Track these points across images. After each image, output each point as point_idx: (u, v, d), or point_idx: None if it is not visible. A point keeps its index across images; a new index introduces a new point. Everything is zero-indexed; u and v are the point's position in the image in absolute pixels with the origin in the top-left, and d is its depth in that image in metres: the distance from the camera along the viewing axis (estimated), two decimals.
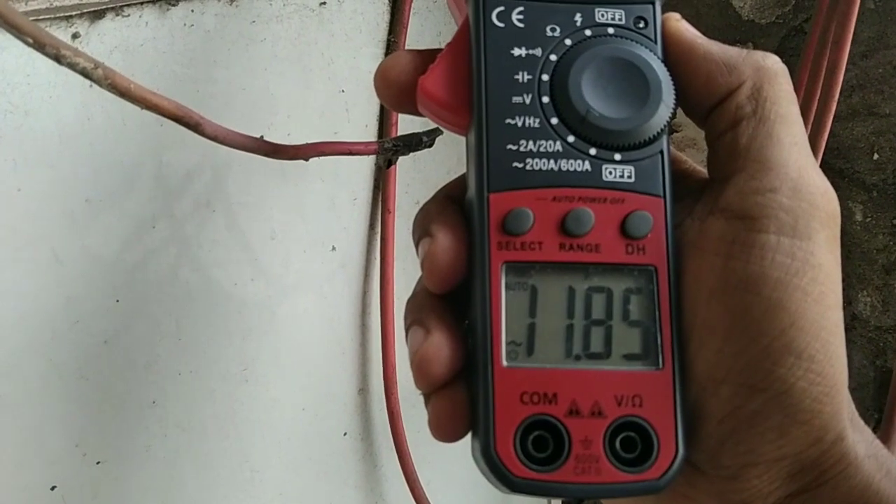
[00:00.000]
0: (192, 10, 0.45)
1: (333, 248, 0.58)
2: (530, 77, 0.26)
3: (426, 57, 0.28)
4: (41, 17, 0.38)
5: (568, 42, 0.27)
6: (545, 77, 0.26)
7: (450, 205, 0.27)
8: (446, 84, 0.27)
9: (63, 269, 0.42)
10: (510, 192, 0.26)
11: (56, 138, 0.41)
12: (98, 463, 0.46)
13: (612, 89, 0.26)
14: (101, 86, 0.31)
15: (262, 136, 0.41)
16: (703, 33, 0.27)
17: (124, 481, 0.48)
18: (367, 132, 0.58)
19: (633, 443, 0.24)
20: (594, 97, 0.26)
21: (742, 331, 0.24)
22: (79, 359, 0.44)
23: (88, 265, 0.44)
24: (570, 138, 0.26)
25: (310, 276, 0.57)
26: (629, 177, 0.26)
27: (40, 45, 0.28)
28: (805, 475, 0.25)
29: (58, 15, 0.39)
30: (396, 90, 0.28)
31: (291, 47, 0.51)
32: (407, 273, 0.61)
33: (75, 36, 0.40)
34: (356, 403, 0.63)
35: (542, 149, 0.26)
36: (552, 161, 0.26)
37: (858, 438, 0.25)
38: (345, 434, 0.62)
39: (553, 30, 0.27)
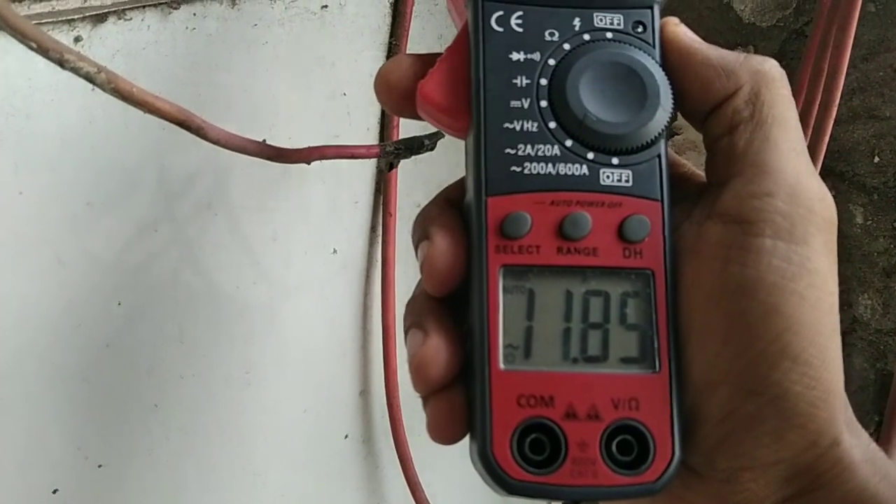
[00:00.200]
0: (194, 14, 0.45)
1: (335, 251, 0.58)
2: (529, 81, 0.26)
3: (426, 61, 0.28)
4: (44, 21, 0.39)
5: (566, 46, 0.27)
6: (543, 81, 0.26)
7: (449, 208, 0.28)
8: (445, 88, 0.27)
9: (65, 272, 0.43)
10: (508, 195, 0.26)
11: (58, 141, 0.41)
12: (100, 466, 0.46)
13: (610, 93, 0.26)
14: (104, 90, 0.31)
15: (264, 140, 0.41)
16: (704, 36, 0.27)
17: (126, 484, 0.48)
18: (368, 135, 0.58)
19: (629, 446, 0.25)
20: (592, 101, 0.26)
21: (738, 335, 0.24)
22: (81, 362, 0.45)
23: (90, 268, 0.44)
24: (568, 142, 0.26)
25: (311, 279, 0.57)
26: (627, 181, 0.26)
27: (44, 50, 0.29)
28: (801, 479, 0.25)
29: (60, 18, 0.39)
30: (397, 94, 0.28)
31: (293, 50, 0.51)
32: (408, 276, 0.61)
33: (77, 39, 0.40)
34: (357, 406, 0.63)
35: (540, 153, 0.26)
36: (550, 165, 0.26)
37: (855, 442, 0.25)
38: (346, 436, 0.62)
39: (552, 34, 0.27)
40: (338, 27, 0.54)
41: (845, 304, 0.66)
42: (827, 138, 0.56)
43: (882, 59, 0.63)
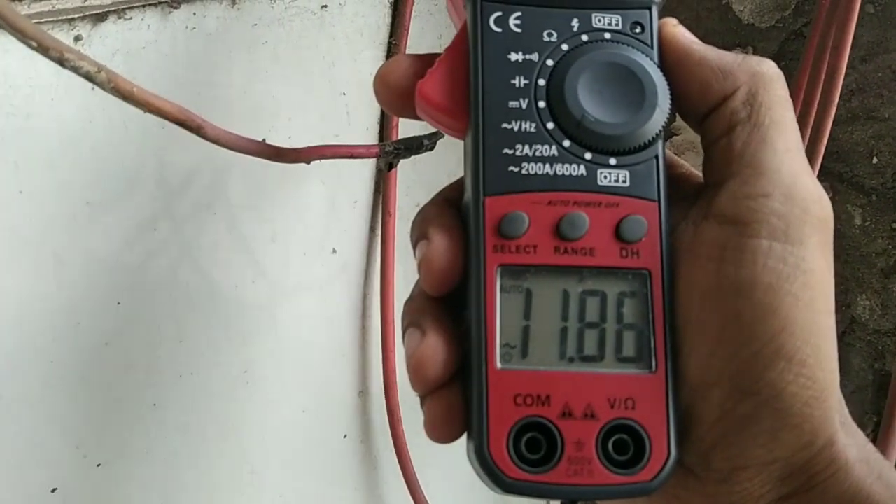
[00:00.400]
0: (194, 13, 0.45)
1: (334, 251, 0.58)
2: (527, 82, 0.26)
3: (425, 61, 0.28)
4: (43, 20, 0.39)
5: (564, 47, 0.27)
6: (541, 82, 0.26)
7: (447, 208, 0.28)
8: (444, 88, 0.27)
9: (64, 271, 0.43)
10: (506, 195, 0.26)
11: (57, 141, 0.41)
12: (98, 465, 0.46)
13: (607, 94, 0.26)
14: (104, 89, 0.31)
15: (263, 140, 0.41)
16: (703, 37, 0.28)
17: (125, 483, 0.48)
18: (367, 135, 0.58)
19: (625, 445, 0.25)
20: (590, 102, 0.26)
21: (734, 335, 0.24)
22: (79, 361, 0.45)
23: (89, 267, 0.44)
24: (566, 143, 0.26)
25: (310, 279, 0.57)
26: (624, 181, 0.26)
27: (44, 49, 0.29)
28: (796, 478, 0.25)
29: (60, 17, 0.39)
30: (396, 95, 0.28)
31: (293, 50, 0.51)
32: (407, 276, 0.61)
33: (77, 39, 0.41)
34: (356, 405, 0.63)
35: (537, 153, 0.26)
36: (548, 165, 0.26)
37: (850, 442, 0.25)
38: (345, 436, 0.63)
39: (550, 35, 0.27)
40: (337, 27, 0.54)
41: (843, 305, 0.66)
42: (826, 139, 0.56)
43: (881, 60, 0.63)
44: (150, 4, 0.43)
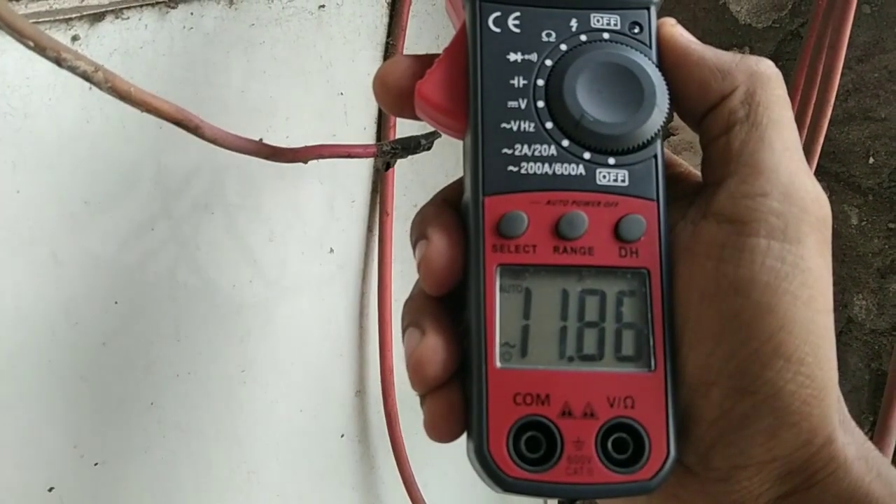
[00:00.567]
0: (192, 13, 0.45)
1: (331, 251, 0.58)
2: (526, 82, 0.27)
3: (424, 62, 0.28)
4: (41, 20, 0.39)
5: (563, 47, 0.27)
6: (540, 82, 0.27)
7: (446, 208, 0.28)
8: (443, 89, 0.27)
9: (62, 270, 0.43)
10: (505, 195, 0.26)
11: (55, 140, 0.41)
12: (96, 464, 0.46)
13: (606, 94, 0.26)
14: (101, 89, 0.31)
15: (261, 139, 0.41)
16: (700, 37, 0.28)
17: (122, 482, 0.48)
18: (365, 135, 0.58)
19: (624, 444, 0.25)
20: (589, 102, 0.26)
21: (732, 334, 0.24)
22: (77, 360, 0.45)
23: (87, 266, 0.44)
24: (565, 142, 0.26)
25: (308, 278, 0.57)
26: (623, 181, 0.26)
27: (41, 49, 0.29)
28: (795, 477, 0.25)
29: (57, 17, 0.39)
30: (395, 95, 0.28)
31: (290, 50, 0.51)
32: (405, 275, 0.61)
33: (75, 38, 0.41)
34: (354, 405, 0.63)
35: (536, 153, 0.26)
36: (547, 165, 0.26)
37: (849, 440, 0.25)
38: (342, 436, 0.63)
39: (549, 35, 0.27)
40: (335, 27, 0.54)
41: (840, 305, 0.67)
42: (822, 139, 0.56)
43: (877, 61, 0.63)
44: (147, 4, 0.43)
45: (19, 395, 0.42)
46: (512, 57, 0.27)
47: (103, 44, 0.42)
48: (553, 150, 0.26)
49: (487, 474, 0.25)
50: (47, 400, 0.44)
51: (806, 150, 0.56)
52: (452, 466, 0.68)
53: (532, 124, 0.26)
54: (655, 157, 0.27)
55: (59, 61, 0.29)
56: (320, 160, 0.45)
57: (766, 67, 0.27)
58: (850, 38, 0.54)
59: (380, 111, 0.58)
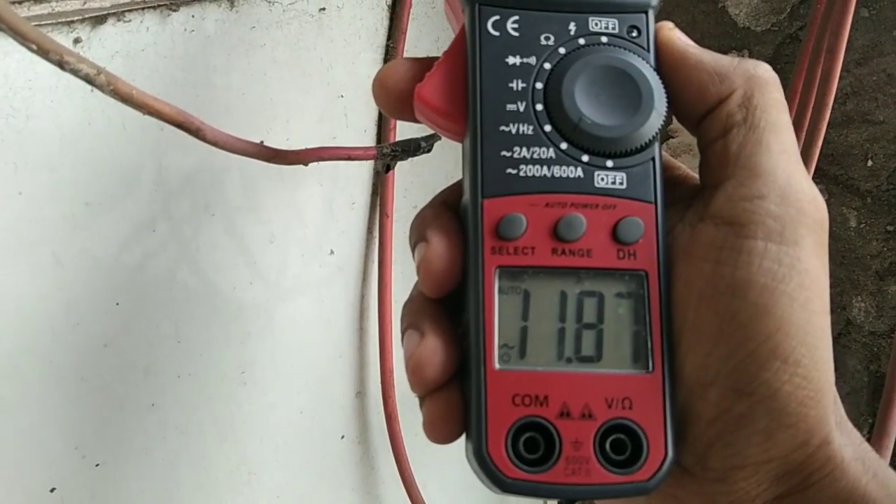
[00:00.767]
0: (193, 16, 0.46)
1: (332, 252, 0.58)
2: (524, 85, 0.27)
3: (423, 65, 0.28)
4: (43, 23, 0.39)
5: (562, 50, 0.27)
6: (539, 85, 0.27)
7: (445, 210, 0.28)
8: (442, 92, 0.27)
9: (63, 271, 0.43)
10: (504, 197, 0.26)
11: (57, 142, 0.41)
12: (97, 465, 0.47)
13: (604, 97, 0.27)
14: (103, 91, 0.31)
15: (261, 142, 0.41)
16: (699, 40, 0.28)
17: (123, 483, 0.48)
18: (365, 137, 0.58)
19: (622, 445, 0.25)
20: (587, 105, 0.26)
21: (730, 335, 0.24)
22: (78, 361, 0.45)
23: (88, 268, 0.44)
24: (563, 145, 0.26)
25: (308, 280, 0.57)
26: (621, 183, 0.26)
27: (44, 52, 0.29)
28: (792, 478, 0.25)
29: (60, 20, 0.40)
30: (394, 98, 0.28)
31: (291, 52, 0.51)
32: (405, 277, 0.61)
33: (77, 41, 0.41)
34: (354, 407, 0.63)
35: (535, 155, 0.26)
36: (545, 167, 0.26)
37: (845, 441, 0.26)
38: (342, 437, 0.63)
39: (547, 38, 0.27)
40: (335, 30, 0.54)
41: (839, 307, 0.67)
42: (820, 142, 0.56)
43: (875, 64, 0.64)
44: (148, 7, 0.43)
45: (21, 396, 0.43)
46: (511, 60, 0.27)
47: (105, 46, 0.42)
48: (551, 153, 0.26)
49: (486, 475, 0.25)
50: (48, 401, 0.44)
51: (805, 153, 0.56)
52: (452, 467, 0.68)
53: (531, 127, 0.26)
54: (653, 159, 0.27)
55: (62, 64, 0.29)
56: (321, 162, 0.45)
57: (764, 71, 0.27)
58: (849, 41, 0.54)
59: (380, 113, 0.58)
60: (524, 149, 0.26)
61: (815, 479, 0.25)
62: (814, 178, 0.61)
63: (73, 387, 0.45)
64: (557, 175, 0.26)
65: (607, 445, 0.25)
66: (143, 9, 0.43)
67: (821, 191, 0.26)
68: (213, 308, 0.51)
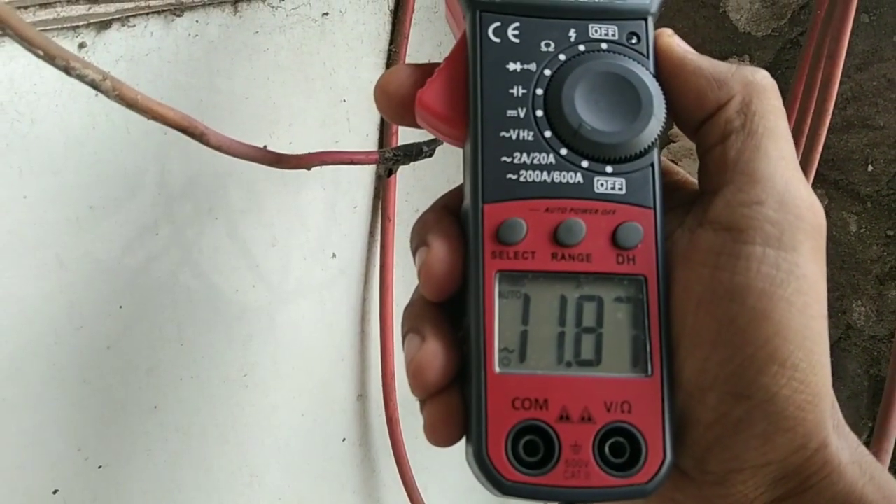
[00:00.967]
0: (197, 21, 0.46)
1: (334, 256, 0.58)
2: (525, 91, 0.27)
3: (425, 71, 0.28)
4: (49, 28, 0.39)
5: (562, 57, 0.27)
6: (539, 91, 0.27)
7: (446, 215, 0.28)
8: (443, 97, 0.27)
9: (67, 274, 0.43)
10: (504, 202, 0.26)
11: (61, 146, 0.41)
12: (99, 467, 0.47)
13: (604, 103, 0.27)
14: (108, 97, 0.31)
15: (265, 146, 0.41)
16: (700, 45, 0.28)
17: (125, 485, 0.49)
18: (367, 141, 0.58)
19: (621, 448, 0.25)
20: (587, 111, 0.27)
21: (728, 340, 0.25)
22: (81, 363, 0.45)
23: (92, 271, 0.44)
24: (563, 151, 0.27)
25: (310, 283, 0.57)
26: (620, 188, 0.27)
27: (50, 57, 0.29)
28: (789, 481, 0.25)
29: (65, 25, 0.40)
30: (396, 103, 0.28)
31: (294, 57, 0.52)
32: (406, 280, 0.61)
33: (82, 46, 0.41)
34: (355, 409, 0.63)
35: (535, 161, 0.26)
36: (545, 173, 0.26)
37: (843, 445, 0.26)
38: (343, 440, 0.63)
39: (547, 45, 0.27)
40: (338, 34, 0.54)
41: (839, 311, 0.67)
42: (821, 147, 0.56)
43: (876, 69, 0.64)
44: (153, 12, 0.43)
45: (24, 398, 0.43)
46: (511, 66, 0.27)
47: (110, 51, 0.42)
48: (551, 159, 0.27)
49: (486, 478, 0.25)
50: (51, 402, 0.44)
51: (805, 158, 0.57)
52: (453, 470, 0.68)
53: (531, 133, 0.27)
54: (652, 165, 0.27)
55: (67, 70, 0.30)
56: (323, 166, 0.46)
57: (762, 78, 0.27)
58: (849, 46, 0.55)
59: (382, 118, 0.59)
60: (524, 154, 0.26)
61: (813, 483, 0.25)
62: (814, 183, 0.61)
63: (75, 389, 0.45)
64: (557, 180, 0.26)
65: (606, 448, 0.25)
66: (147, 14, 0.43)
67: (821, 195, 0.26)
68: (216, 311, 0.51)
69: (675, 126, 0.29)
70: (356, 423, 0.63)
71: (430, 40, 0.60)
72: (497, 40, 0.27)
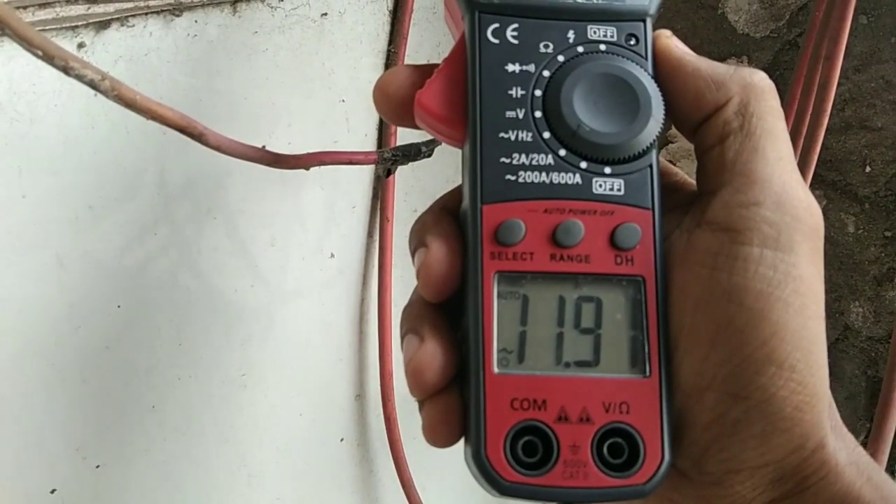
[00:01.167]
0: (196, 21, 0.46)
1: (332, 256, 0.58)
2: (523, 92, 0.27)
3: (424, 71, 0.28)
4: (48, 28, 0.39)
5: (560, 58, 0.27)
6: (538, 92, 0.27)
7: (445, 216, 0.28)
8: (442, 98, 0.28)
9: (66, 274, 0.43)
10: (503, 203, 0.26)
11: (60, 146, 0.41)
12: (98, 466, 0.47)
13: (603, 104, 0.27)
14: (107, 97, 0.31)
15: (263, 146, 0.41)
16: (699, 46, 0.28)
17: (123, 485, 0.49)
18: (366, 141, 0.59)
19: (620, 448, 0.25)
20: (585, 112, 0.27)
21: (726, 341, 0.25)
22: (80, 363, 0.45)
23: (91, 271, 0.44)
24: (562, 152, 0.27)
25: (309, 283, 0.57)
26: (619, 190, 0.27)
27: (49, 57, 0.29)
28: (787, 481, 0.25)
29: (64, 25, 0.40)
30: (395, 104, 0.28)
31: (293, 57, 0.52)
32: (405, 280, 0.62)
33: (81, 46, 0.41)
34: (353, 409, 0.63)
35: (534, 162, 0.27)
36: (544, 174, 0.26)
37: (840, 446, 0.26)
38: (342, 440, 0.63)
39: (546, 46, 0.27)
40: (337, 35, 0.54)
41: (837, 312, 0.67)
42: (818, 147, 0.56)
43: (874, 71, 0.64)
44: (152, 12, 0.43)
45: (22, 398, 0.43)
46: (510, 68, 0.27)
47: (109, 51, 0.42)
48: (550, 160, 0.27)
49: (485, 478, 0.25)
50: (50, 402, 0.44)
51: (803, 159, 0.57)
52: (451, 470, 0.68)
53: (530, 134, 0.27)
54: (651, 166, 0.27)
55: (66, 70, 0.30)
56: (322, 167, 0.46)
57: (760, 79, 0.27)
58: (847, 48, 0.55)
59: (381, 118, 0.59)
60: (523, 155, 0.27)
61: (810, 483, 0.25)
62: (812, 184, 0.61)
63: (74, 388, 0.45)
64: (556, 181, 0.26)
65: (605, 449, 0.25)
66: (146, 14, 0.43)
67: (819, 197, 0.27)
68: (214, 311, 0.51)
69: (673, 127, 0.29)
70: (354, 422, 0.63)
71: (429, 41, 0.60)
72: (496, 41, 0.27)
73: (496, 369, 0.25)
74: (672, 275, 0.26)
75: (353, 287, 0.61)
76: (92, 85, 0.31)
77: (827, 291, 0.26)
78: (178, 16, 0.45)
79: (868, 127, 0.65)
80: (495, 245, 0.26)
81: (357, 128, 0.57)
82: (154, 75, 0.44)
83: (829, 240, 0.25)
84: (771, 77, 0.28)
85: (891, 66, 0.63)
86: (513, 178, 0.26)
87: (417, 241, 0.28)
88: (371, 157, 0.49)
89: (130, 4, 0.42)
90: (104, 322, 0.46)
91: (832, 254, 0.65)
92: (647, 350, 0.26)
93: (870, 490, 0.25)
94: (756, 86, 0.27)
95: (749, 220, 0.25)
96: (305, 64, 0.53)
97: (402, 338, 0.28)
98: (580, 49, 0.27)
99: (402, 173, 0.59)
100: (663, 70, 0.28)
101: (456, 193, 0.29)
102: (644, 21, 0.28)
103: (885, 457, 0.55)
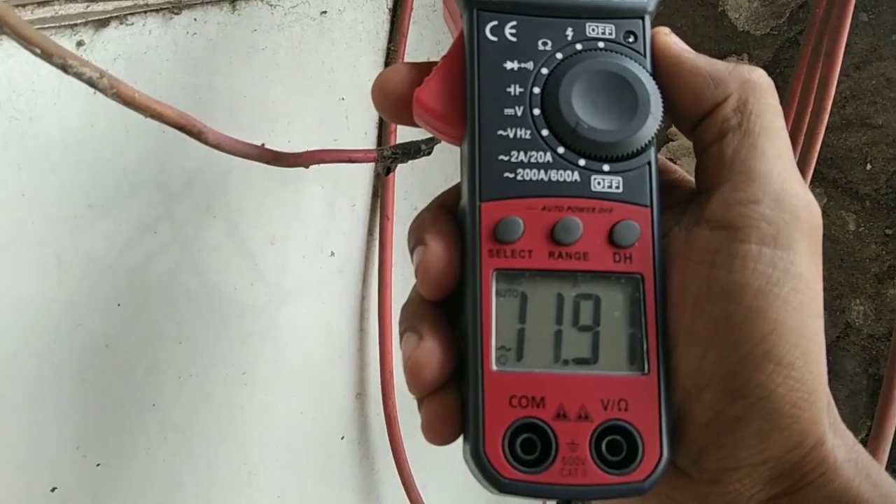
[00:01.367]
0: (195, 19, 0.46)
1: (332, 254, 0.58)
2: (522, 90, 0.27)
3: (423, 69, 0.28)
4: (47, 26, 0.39)
5: (559, 56, 0.27)
6: (536, 90, 0.27)
7: (444, 213, 0.28)
8: (441, 96, 0.28)
9: (65, 272, 0.43)
10: (501, 201, 0.26)
11: (60, 144, 0.41)
12: (98, 465, 0.47)
13: (601, 102, 0.27)
14: (106, 95, 0.31)
15: (263, 144, 0.41)
16: (699, 44, 0.28)
17: (124, 483, 0.49)
18: (366, 140, 0.58)
19: (618, 446, 0.25)
20: (584, 110, 0.27)
21: (724, 338, 0.25)
22: (80, 362, 0.45)
23: (90, 269, 0.44)
24: (560, 149, 0.27)
25: (309, 282, 0.57)
26: (617, 187, 0.27)
27: (48, 55, 0.29)
28: (786, 479, 0.25)
29: (63, 23, 0.40)
30: (393, 102, 0.28)
31: (292, 55, 0.52)
32: (405, 278, 0.62)
33: (80, 44, 0.41)
34: (354, 407, 0.63)
35: (532, 159, 0.27)
36: (542, 171, 0.26)
37: (839, 443, 0.26)
38: (342, 438, 0.63)
39: (545, 44, 0.27)
40: (336, 33, 0.54)
41: (838, 310, 0.67)
42: (819, 145, 0.56)
43: (874, 68, 0.64)
44: (151, 10, 0.43)
45: (22, 396, 0.43)
46: (508, 65, 0.27)
47: (108, 49, 0.42)
48: (549, 157, 0.27)
49: (483, 476, 0.25)
50: (50, 401, 0.44)
51: (803, 157, 0.57)
52: (451, 468, 0.68)
53: (528, 131, 0.27)
54: (649, 163, 0.27)
55: (65, 68, 0.30)
56: (321, 165, 0.46)
57: (759, 76, 0.27)
58: (848, 45, 0.55)
59: (381, 116, 0.59)
60: (522, 153, 0.27)
61: (809, 480, 0.25)
62: (812, 182, 0.61)
63: (74, 387, 0.45)
64: (554, 179, 0.26)
65: (603, 446, 0.25)
66: (145, 12, 0.43)
67: (819, 194, 0.27)
68: (214, 309, 0.52)
69: (673, 125, 0.29)
70: (355, 421, 0.63)
71: (429, 39, 0.60)
72: (494, 39, 0.27)
73: (495, 367, 0.25)
74: (671, 272, 0.26)
75: (354, 285, 0.61)
76: (91, 83, 0.31)
77: (827, 289, 0.26)
78: (177, 14, 0.45)
79: (869, 124, 0.65)
80: (494, 243, 0.26)
81: (357, 126, 0.57)
82: (153, 73, 0.44)
83: (829, 238, 0.25)
84: (771, 75, 0.28)
85: (891, 63, 0.63)
86: (511, 175, 0.26)
87: (416, 238, 0.28)
88: (371, 156, 0.49)
89: (129, 2, 0.42)
90: (104, 320, 0.46)
91: (833, 252, 0.65)
92: (645, 347, 0.26)
93: (868, 487, 0.25)
94: (755, 83, 0.27)
95: (748, 218, 0.25)
96: (305, 62, 0.53)
97: (401, 335, 0.28)
98: (579, 46, 0.27)
99: (402, 171, 0.59)
100: (662, 67, 0.28)
101: (454, 191, 0.29)
102: (643, 18, 0.28)
103: (885, 455, 0.55)
